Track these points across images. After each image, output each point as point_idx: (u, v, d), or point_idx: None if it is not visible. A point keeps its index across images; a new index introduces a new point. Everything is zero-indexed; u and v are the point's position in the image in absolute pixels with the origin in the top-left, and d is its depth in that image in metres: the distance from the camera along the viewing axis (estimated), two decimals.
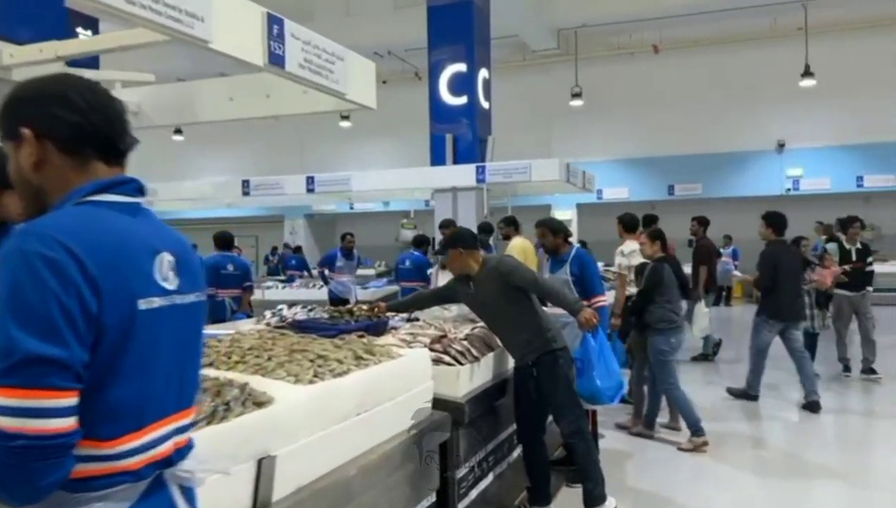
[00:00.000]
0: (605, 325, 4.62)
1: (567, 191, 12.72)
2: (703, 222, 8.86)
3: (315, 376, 2.20)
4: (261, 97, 4.66)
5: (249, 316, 6.15)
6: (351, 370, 2.29)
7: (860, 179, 15.88)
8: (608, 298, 5.66)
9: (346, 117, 18.89)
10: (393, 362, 2.52)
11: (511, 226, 7.43)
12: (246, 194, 11.16)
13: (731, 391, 6.88)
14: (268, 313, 4.48)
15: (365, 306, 4.04)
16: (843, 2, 14.87)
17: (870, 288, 7.59)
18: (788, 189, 16.40)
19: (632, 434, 5.49)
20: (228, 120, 5.81)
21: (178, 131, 18.64)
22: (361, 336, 3.26)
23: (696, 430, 5.12)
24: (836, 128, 16.08)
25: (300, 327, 3.63)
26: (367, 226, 19.93)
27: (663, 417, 5.67)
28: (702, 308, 8.42)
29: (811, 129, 16.28)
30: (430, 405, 2.74)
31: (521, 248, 7.04)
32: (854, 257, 7.56)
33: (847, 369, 7.63)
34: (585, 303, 4.47)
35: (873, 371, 7.45)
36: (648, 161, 17.59)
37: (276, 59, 3.53)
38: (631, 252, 6.28)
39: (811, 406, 6.24)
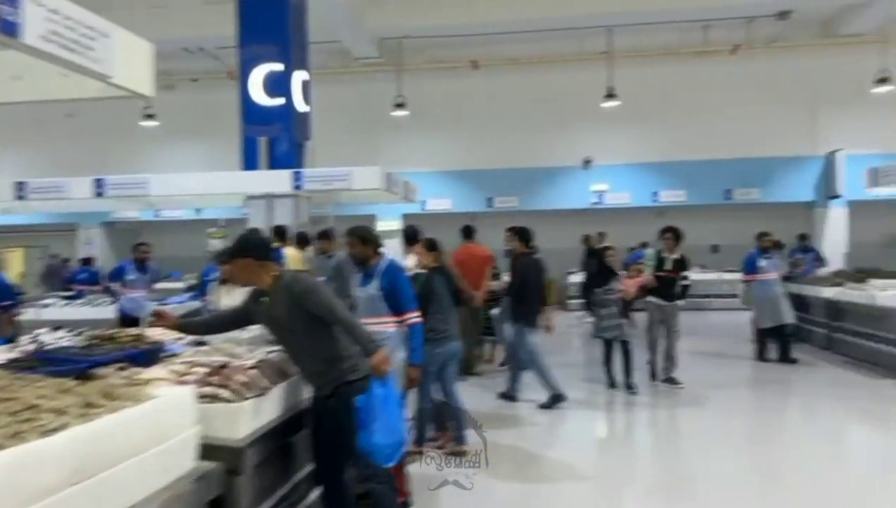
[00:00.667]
0: (418, 343, 4.33)
1: (391, 201, 12.46)
2: (522, 234, 8.95)
3: (14, 435, 1.62)
4: (5, 79, 3.81)
5: (11, 341, 5.19)
6: (69, 424, 1.73)
7: (656, 194, 17.26)
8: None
9: (150, 116, 17.39)
10: (138, 408, 1.98)
11: (327, 239, 6.93)
12: (21, 198, 9.65)
13: (543, 406, 6.94)
14: (25, 339, 3.76)
15: (134, 331, 3.39)
16: (645, 30, 16.09)
17: (681, 302, 7.72)
18: (595, 203, 17.43)
19: (445, 454, 5.23)
20: None
21: None
22: (123, 369, 2.66)
23: (459, 438, 5.22)
24: (636, 147, 17.39)
25: (45, 359, 2.93)
26: (177, 235, 18.40)
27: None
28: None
29: (615, 147, 17.45)
30: (193, 456, 2.22)
31: (292, 260, 6.68)
32: (669, 267, 7.66)
33: (654, 375, 7.86)
34: (397, 320, 4.20)
35: (673, 381, 7.67)
36: (470, 174, 17.90)
37: (8, 28, 2.81)
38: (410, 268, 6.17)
39: (509, 397, 7.17)
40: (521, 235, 7.40)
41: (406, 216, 18.25)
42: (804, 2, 14.69)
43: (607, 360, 7.63)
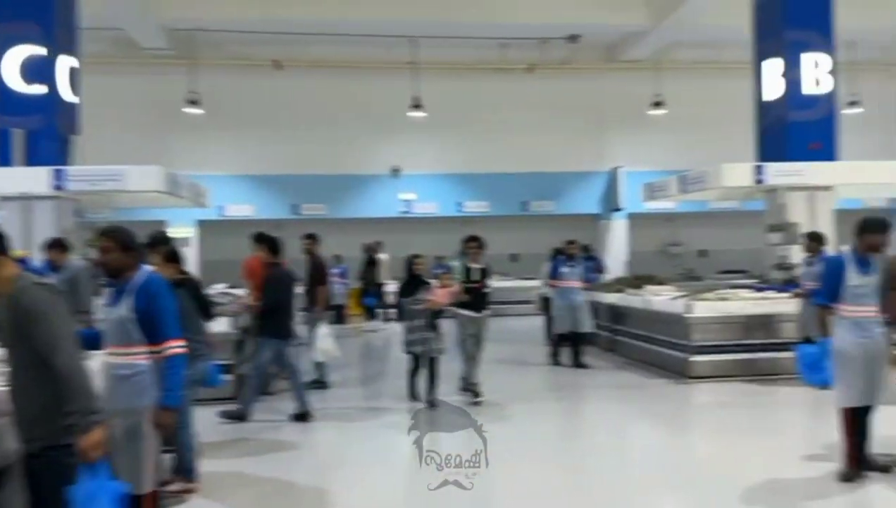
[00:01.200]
0: (176, 380, 3.46)
1: (177, 205, 11.42)
2: (314, 239, 8.54)
3: None
4: None
5: None
6: None
7: (461, 204, 17.67)
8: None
9: None
10: None
11: (58, 249, 5.92)
12: None
13: (227, 414, 6.71)
14: None
15: None
16: (449, 43, 16.41)
17: (488, 310, 7.44)
18: (403, 211, 17.45)
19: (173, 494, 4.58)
20: None
21: None
22: None
23: (188, 472, 4.74)
24: (442, 158, 17.68)
25: None
26: None
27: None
28: (323, 329, 8.08)
29: (422, 157, 17.61)
30: None
31: None
32: (477, 277, 7.30)
33: (477, 395, 7.24)
34: (153, 349, 3.44)
35: (477, 393, 7.27)
36: (274, 179, 17.14)
37: None
38: None
39: (302, 417, 6.70)
40: (269, 244, 7.02)
41: (202, 223, 17.05)
42: (590, 27, 15.83)
43: (413, 373, 7.24)
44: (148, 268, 3.63)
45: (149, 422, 3.28)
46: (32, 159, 8.92)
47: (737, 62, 16.03)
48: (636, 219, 17.79)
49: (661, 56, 16.99)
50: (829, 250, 8.03)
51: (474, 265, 7.32)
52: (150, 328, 3.37)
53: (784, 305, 8.06)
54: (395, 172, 17.59)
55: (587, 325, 9.31)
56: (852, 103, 15.67)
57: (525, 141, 17.41)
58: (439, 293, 7.12)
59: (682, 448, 6.04)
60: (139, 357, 3.36)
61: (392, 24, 15.12)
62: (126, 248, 3.48)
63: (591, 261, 13.32)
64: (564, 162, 17.60)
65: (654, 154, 17.14)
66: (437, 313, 7.10)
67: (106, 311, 3.57)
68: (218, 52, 16.47)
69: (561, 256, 9.64)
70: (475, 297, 7.25)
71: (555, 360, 9.49)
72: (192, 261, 16.18)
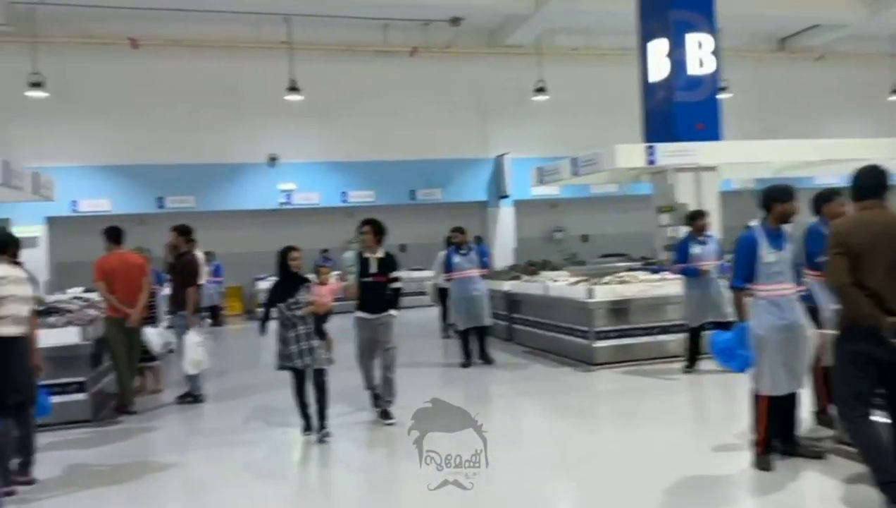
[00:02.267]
0: None
1: (18, 199, 9.90)
2: (185, 232, 7.51)
3: None
4: None
5: None
6: None
7: (345, 194, 16.83)
8: None
9: None
10: None
11: None
12: None
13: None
14: None
15: None
16: (326, 23, 15.49)
17: (394, 312, 6.08)
18: (282, 203, 16.39)
19: None
20: None
21: None
22: None
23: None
24: (323, 145, 16.75)
25: None
26: None
27: None
28: (194, 337, 7.10)
29: (302, 145, 16.60)
30: None
31: None
32: (375, 269, 6.02)
33: (377, 399, 6.18)
34: None
35: (388, 415, 6.03)
36: (134, 169, 15.56)
37: None
38: (1, 279, 4.61)
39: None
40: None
41: (52, 220, 15.19)
42: (472, 10, 15.46)
43: (300, 394, 5.76)
44: None
45: None
46: None
47: (616, 49, 16.32)
48: (522, 206, 17.71)
49: (543, 42, 16.92)
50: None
51: (372, 255, 6.03)
52: None
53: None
54: (273, 160, 16.46)
55: (487, 317, 8.64)
56: (722, 89, 16.29)
57: (410, 127, 16.82)
58: (322, 292, 6.02)
59: (600, 441, 5.68)
60: None
61: (264, 1, 14.01)
62: None
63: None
64: (451, 149, 17.19)
65: (538, 140, 17.08)
66: (322, 317, 5.94)
67: None
68: (64, 30, 14.67)
69: (451, 245, 8.93)
70: (373, 294, 5.99)
71: (466, 360, 8.53)
72: (41, 262, 14.43)
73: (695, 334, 7.40)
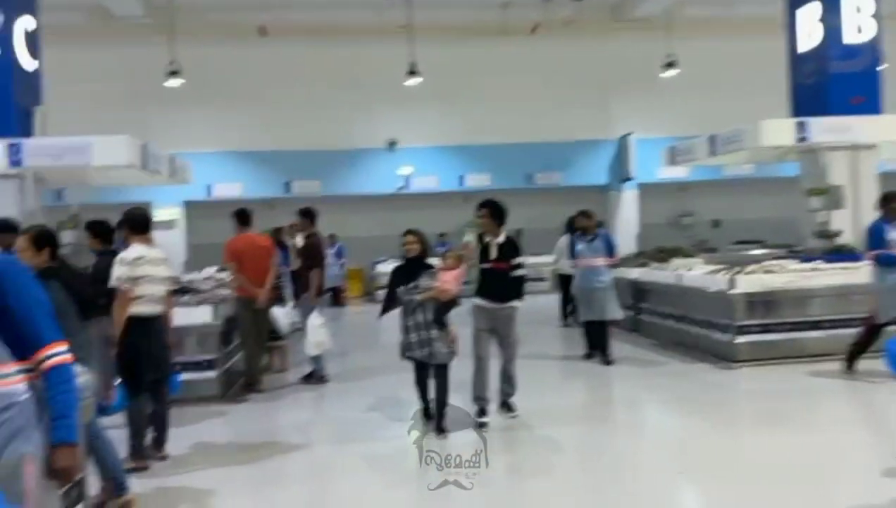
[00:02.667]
0: (69, 405, 2.34)
1: (157, 182, 10.44)
2: (309, 216, 7.57)
3: None
4: None
5: None
6: None
7: (462, 178, 16.67)
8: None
9: None
10: None
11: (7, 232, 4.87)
12: None
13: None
14: None
15: None
16: (446, 4, 15.30)
17: (517, 302, 5.60)
18: (401, 187, 16.47)
19: None
20: None
21: None
22: None
23: (118, 487, 3.96)
24: (441, 129, 16.64)
25: None
26: None
27: None
28: (316, 319, 7.16)
29: (420, 129, 16.59)
30: None
31: None
32: (495, 255, 5.52)
33: (483, 412, 5.59)
34: (24, 365, 2.27)
35: (509, 407, 5.73)
36: (264, 155, 16.12)
37: None
38: (137, 259, 4.68)
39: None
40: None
41: (189, 204, 16.06)
42: None
43: (420, 384, 5.47)
44: None
45: (32, 473, 2.20)
46: None
47: (755, 18, 15.04)
48: (646, 189, 16.85)
49: (673, 14, 15.89)
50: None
51: (492, 240, 5.51)
52: (15, 333, 2.25)
53: (841, 276, 7.15)
54: (392, 145, 16.57)
55: (614, 311, 7.81)
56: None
57: (529, 109, 16.34)
58: (446, 278, 5.37)
59: (741, 447, 5.14)
60: (8, 381, 2.22)
61: None
62: None
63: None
64: (571, 130, 16.56)
65: (666, 119, 16.10)
66: (445, 305, 5.31)
67: None
68: (199, 20, 15.33)
69: (575, 231, 8.34)
70: (494, 281, 5.50)
71: (588, 352, 7.99)
72: (179, 244, 15.30)
73: (876, 330, 6.41)
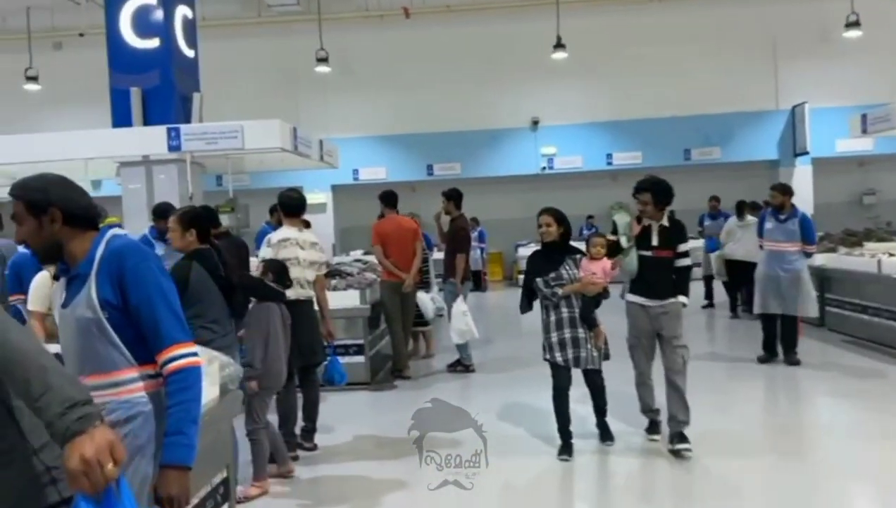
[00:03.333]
0: (189, 419, 1.97)
1: (307, 165, 10.56)
2: (455, 198, 7.21)
3: None
4: None
5: None
6: None
7: (610, 156, 15.76)
8: None
9: (32, 79, 14.93)
10: None
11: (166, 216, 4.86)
12: None
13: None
14: None
15: None
16: None
17: (683, 298, 4.60)
18: (544, 168, 15.84)
19: None
20: None
21: None
22: None
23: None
24: (587, 105, 15.80)
25: None
26: None
27: None
28: (460, 306, 6.82)
29: (564, 106, 15.84)
30: None
31: None
32: (656, 242, 4.55)
33: (654, 426, 4.78)
34: (146, 371, 2.01)
35: (683, 438, 4.43)
36: (406, 139, 16.06)
37: None
38: (282, 241, 4.51)
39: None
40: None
41: (336, 188, 16.39)
42: None
43: (558, 400, 4.50)
44: (116, 230, 2.08)
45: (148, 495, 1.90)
46: (151, 120, 8.22)
47: None
48: (820, 165, 15.07)
49: None
50: None
51: (654, 222, 4.55)
52: (136, 333, 1.95)
53: None
54: (535, 124, 15.95)
55: (807, 305, 6.63)
56: None
57: (684, 79, 15.10)
58: (591, 268, 4.48)
59: None
60: (130, 389, 1.95)
61: None
62: (69, 211, 1.96)
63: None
64: (733, 101, 15.11)
65: (848, 86, 14.28)
66: (592, 301, 4.45)
67: (59, 313, 2.08)
68: (346, 5, 15.47)
69: (767, 207, 7.27)
70: (655, 273, 4.54)
71: (766, 354, 6.88)
72: (328, 228, 15.64)
73: None
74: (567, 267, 4.45)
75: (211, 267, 3.57)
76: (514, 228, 15.66)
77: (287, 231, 4.53)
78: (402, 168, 16.07)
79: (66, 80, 15.19)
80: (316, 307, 4.76)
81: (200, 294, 3.54)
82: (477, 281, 14.46)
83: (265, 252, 4.38)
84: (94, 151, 7.86)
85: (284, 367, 4.06)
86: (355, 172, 15.97)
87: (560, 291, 4.38)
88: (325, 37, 14.79)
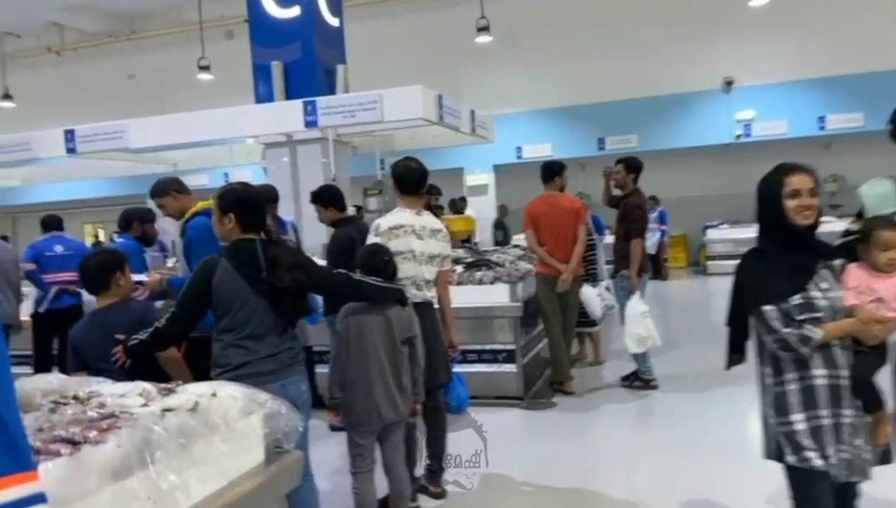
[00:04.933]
0: None
1: (458, 141, 9.61)
2: (632, 168, 5.78)
3: None
4: None
5: None
6: None
7: (822, 120, 13.19)
8: None
9: (205, 69, 15.38)
10: None
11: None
12: None
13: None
14: None
15: None
16: None
17: None
18: (739, 135, 13.63)
19: None
20: None
21: None
22: None
23: None
24: (792, 60, 13.32)
25: None
26: None
27: None
28: (637, 306, 5.43)
29: (764, 62, 13.48)
30: None
31: None
32: None
33: None
34: None
35: None
36: (574, 111, 14.65)
37: None
38: (393, 229, 3.53)
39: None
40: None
41: (498, 168, 15.35)
42: None
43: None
44: None
45: None
46: (293, 95, 7.62)
47: None
48: None
49: None
50: None
51: None
52: None
53: None
54: (728, 85, 13.74)
55: None
56: None
57: None
58: (879, 287, 2.39)
59: None
60: None
61: None
62: None
63: None
64: None
65: None
66: (877, 355, 2.36)
67: None
68: None
69: None
70: None
71: None
72: (489, 211, 14.74)
73: None
74: (823, 283, 2.30)
75: (244, 264, 2.62)
76: (702, 206, 13.73)
77: (400, 215, 3.48)
78: (570, 144, 14.67)
79: (238, 68, 15.44)
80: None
81: (227, 301, 2.67)
82: (657, 268, 12.72)
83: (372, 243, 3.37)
84: (233, 130, 7.38)
85: (384, 398, 3.02)
86: (518, 149, 14.86)
87: (818, 333, 2.21)
88: (486, 3, 13.69)
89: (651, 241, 10.15)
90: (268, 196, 4.05)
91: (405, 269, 3.38)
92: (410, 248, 3.42)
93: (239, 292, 2.67)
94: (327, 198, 4.68)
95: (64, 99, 15.48)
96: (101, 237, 18.66)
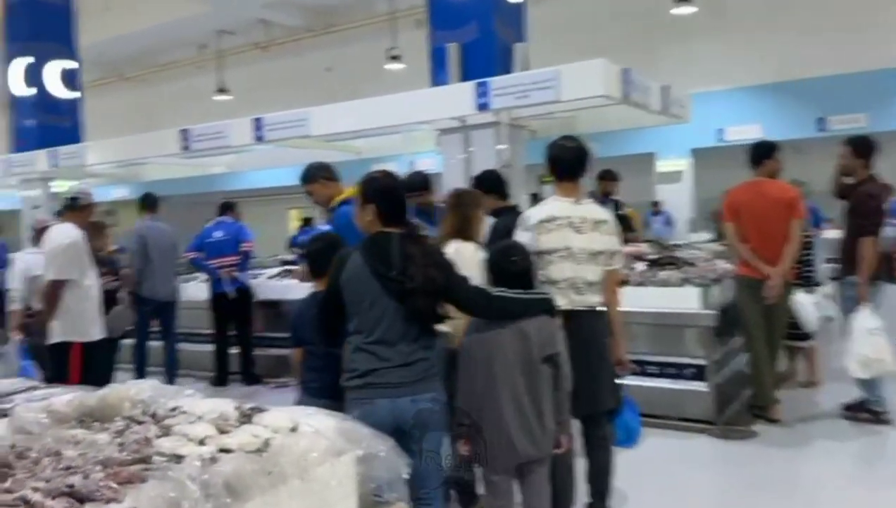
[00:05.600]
0: None
1: (652, 122, 8.68)
2: (863, 152, 4.67)
3: None
4: None
5: None
6: None
7: None
8: None
9: (395, 59, 15.67)
10: None
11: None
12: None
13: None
14: None
15: None
16: None
17: None
18: None
19: None
20: None
21: None
22: None
23: None
24: None
25: None
26: None
27: None
28: (866, 320, 4.37)
29: None
30: None
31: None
32: None
33: None
34: None
35: None
36: (787, 87, 12.89)
37: None
38: (544, 222, 2.98)
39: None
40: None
41: (696, 152, 13.99)
42: None
43: None
44: None
45: None
46: (468, 77, 7.26)
47: None
48: None
49: None
50: None
51: None
52: None
53: None
54: None
55: None
56: None
57: None
58: None
59: None
60: None
61: None
62: None
63: None
64: None
65: None
66: None
67: None
68: None
69: None
70: None
71: None
72: (685, 200, 13.55)
73: None
74: None
75: (377, 260, 2.39)
76: None
77: (554, 205, 2.91)
78: (783, 124, 12.93)
79: (427, 57, 15.59)
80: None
81: (356, 300, 2.43)
82: (891, 268, 10.78)
83: (520, 238, 2.85)
84: (405, 115, 7.19)
85: (517, 428, 2.49)
86: (720, 131, 13.42)
87: None
88: None
89: (886, 238, 8.51)
90: (413, 185, 3.73)
91: (561, 269, 2.82)
92: (567, 244, 2.85)
93: (368, 291, 2.40)
94: (488, 184, 4.24)
95: (271, 93, 16.57)
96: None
